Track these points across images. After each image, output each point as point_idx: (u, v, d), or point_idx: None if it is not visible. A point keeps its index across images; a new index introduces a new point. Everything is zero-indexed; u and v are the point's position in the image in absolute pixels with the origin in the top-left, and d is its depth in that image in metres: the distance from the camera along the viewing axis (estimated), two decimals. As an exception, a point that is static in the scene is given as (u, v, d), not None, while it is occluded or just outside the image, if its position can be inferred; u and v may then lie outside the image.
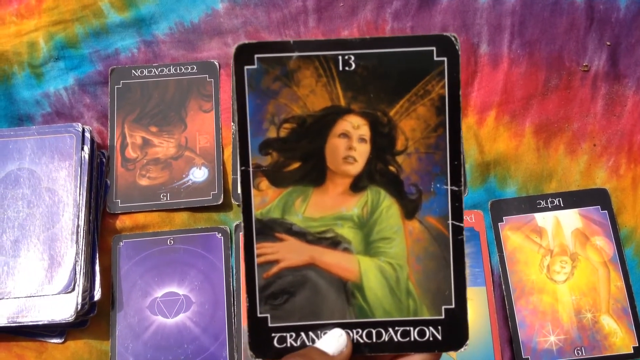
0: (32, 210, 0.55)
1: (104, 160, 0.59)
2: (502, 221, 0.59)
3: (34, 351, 0.55)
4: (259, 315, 0.34)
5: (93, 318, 0.55)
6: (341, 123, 0.34)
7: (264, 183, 0.34)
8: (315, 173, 0.34)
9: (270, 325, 0.34)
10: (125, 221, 0.58)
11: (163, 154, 0.60)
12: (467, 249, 0.58)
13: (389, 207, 0.34)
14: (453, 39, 0.33)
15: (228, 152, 0.61)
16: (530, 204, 0.59)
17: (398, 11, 0.65)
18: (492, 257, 0.58)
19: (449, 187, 0.34)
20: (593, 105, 0.63)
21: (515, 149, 0.61)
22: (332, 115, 0.34)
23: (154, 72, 0.63)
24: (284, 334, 0.34)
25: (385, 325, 0.34)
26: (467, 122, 0.62)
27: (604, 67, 0.63)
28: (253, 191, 0.34)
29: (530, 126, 0.62)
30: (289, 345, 0.34)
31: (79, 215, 0.55)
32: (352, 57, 0.33)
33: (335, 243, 0.34)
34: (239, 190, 0.34)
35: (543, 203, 0.59)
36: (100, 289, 0.54)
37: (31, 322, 0.52)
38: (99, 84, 0.62)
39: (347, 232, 0.34)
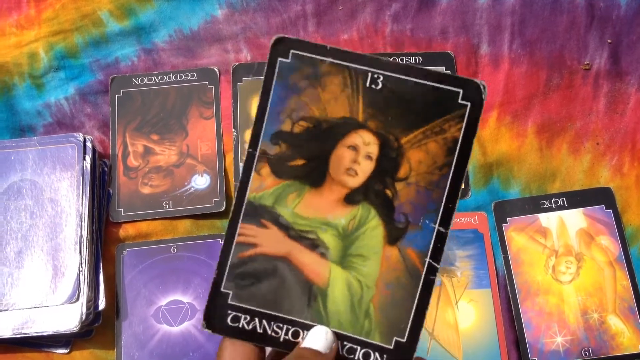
0: (35, 221, 0.55)
1: (106, 169, 0.59)
2: (506, 222, 0.58)
3: (40, 362, 0.55)
4: (222, 289, 0.34)
5: (98, 328, 0.55)
6: (353, 135, 0.34)
7: (266, 170, 0.35)
8: (315, 175, 0.35)
9: (229, 302, 0.34)
10: (128, 230, 0.58)
11: (165, 162, 0.60)
12: (472, 251, 0.58)
13: (374, 228, 0.35)
14: (482, 87, 0.33)
15: (230, 159, 0.61)
16: (534, 204, 0.59)
17: (397, 13, 0.65)
18: (496, 258, 0.58)
19: (436, 227, 0.34)
20: (595, 104, 0.62)
21: (517, 150, 0.61)
22: (346, 125, 0.34)
23: (154, 80, 0.63)
24: (239, 314, 0.34)
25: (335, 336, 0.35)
26: (469, 124, 0.61)
27: (606, 65, 0.63)
28: (253, 174, 0.35)
29: (533, 126, 0.62)
30: (240, 326, 0.34)
31: (82, 225, 0.55)
32: (381, 77, 0.34)
33: (314, 245, 0.35)
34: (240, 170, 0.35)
35: (547, 203, 0.59)
36: (104, 299, 0.54)
37: (36, 333, 0.52)
38: (100, 93, 0.63)
39: (328, 238, 0.35)
